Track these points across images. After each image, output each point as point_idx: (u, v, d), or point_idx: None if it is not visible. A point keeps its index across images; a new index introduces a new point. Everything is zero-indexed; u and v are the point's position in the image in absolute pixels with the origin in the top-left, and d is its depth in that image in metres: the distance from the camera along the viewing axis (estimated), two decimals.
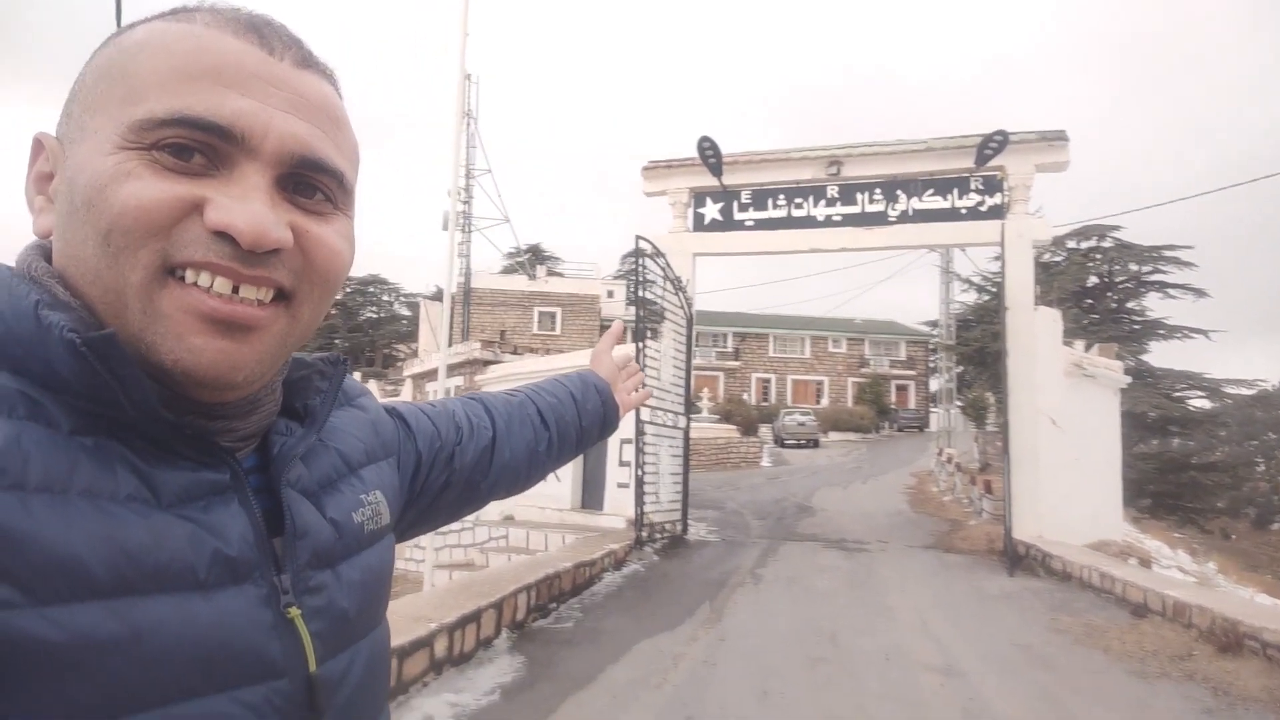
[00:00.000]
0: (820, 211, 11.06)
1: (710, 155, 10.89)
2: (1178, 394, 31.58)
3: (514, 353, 15.49)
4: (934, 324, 31.27)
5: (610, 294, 44.79)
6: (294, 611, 0.58)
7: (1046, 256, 33.98)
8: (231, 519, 0.56)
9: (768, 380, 44.53)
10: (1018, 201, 10.34)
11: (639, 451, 9.28)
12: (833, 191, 11.03)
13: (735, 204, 11.40)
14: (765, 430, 33.18)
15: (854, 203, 10.93)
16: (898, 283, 73.54)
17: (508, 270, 41.34)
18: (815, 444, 31.71)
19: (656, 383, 10.05)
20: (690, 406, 11.38)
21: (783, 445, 31.47)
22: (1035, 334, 10.06)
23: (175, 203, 0.52)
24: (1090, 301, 32.91)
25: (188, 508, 0.54)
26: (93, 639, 0.47)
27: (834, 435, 35.18)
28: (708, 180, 11.33)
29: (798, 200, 11.15)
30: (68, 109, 0.58)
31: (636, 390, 1.28)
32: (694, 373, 42.27)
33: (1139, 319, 32.44)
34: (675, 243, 11.38)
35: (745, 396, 41.36)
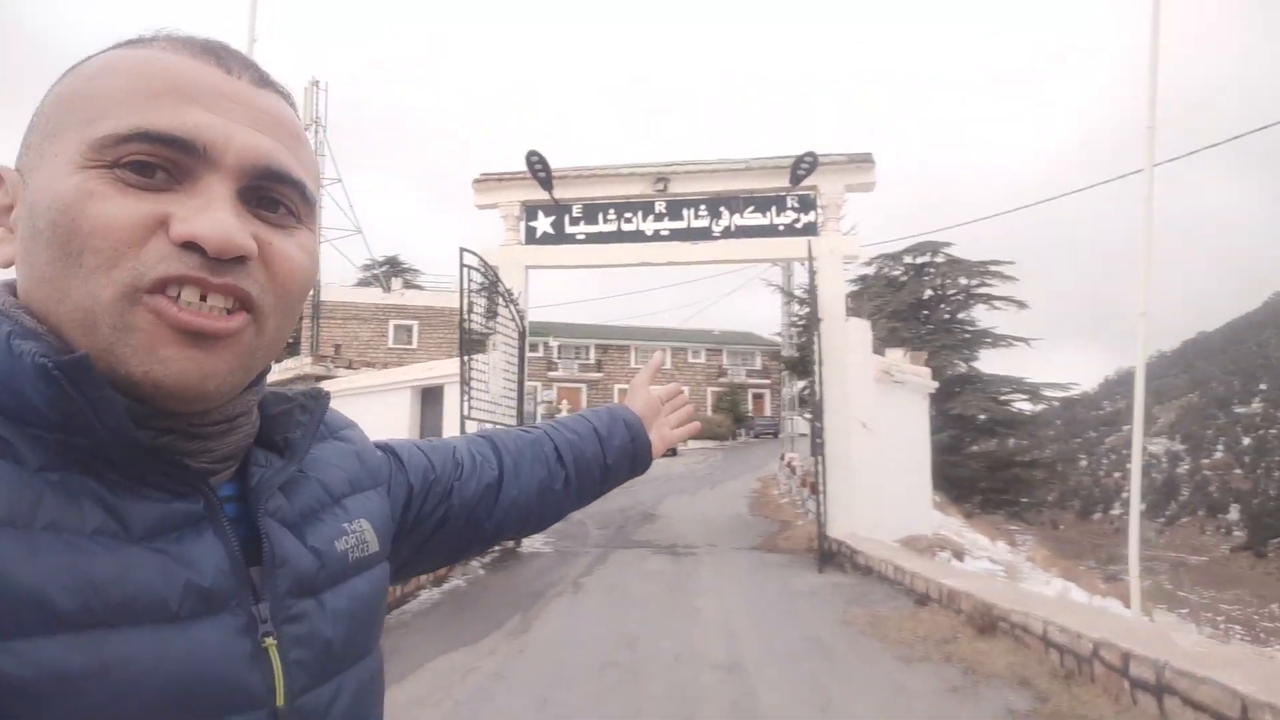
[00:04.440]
0: (649, 226, 11.34)
1: (539, 169, 10.97)
2: (1004, 397, 34.03)
3: (349, 367, 14.98)
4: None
5: (473, 307, 44.06)
6: (269, 641, 0.57)
7: (885, 270, 36.20)
8: (205, 549, 0.55)
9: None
10: (830, 219, 10.96)
11: None
12: (660, 207, 11.35)
13: (567, 218, 11.53)
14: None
15: (680, 218, 11.28)
16: (757, 295, 76.20)
17: (363, 283, 39.98)
18: (674, 452, 32.31)
19: (485, 395, 10.01)
20: (523, 418, 11.36)
21: None
22: (847, 343, 10.68)
23: (141, 221, 0.52)
24: (926, 313, 35.11)
25: (158, 540, 0.53)
26: (59, 672, 0.46)
27: (692, 443, 35.99)
28: (539, 194, 11.41)
29: (627, 215, 11.40)
30: (27, 139, 0.57)
31: (681, 425, 1.20)
32: (558, 385, 41.94)
33: (970, 329, 34.91)
34: (507, 256, 11.40)
35: None
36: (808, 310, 9.96)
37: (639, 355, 45.79)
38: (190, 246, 0.52)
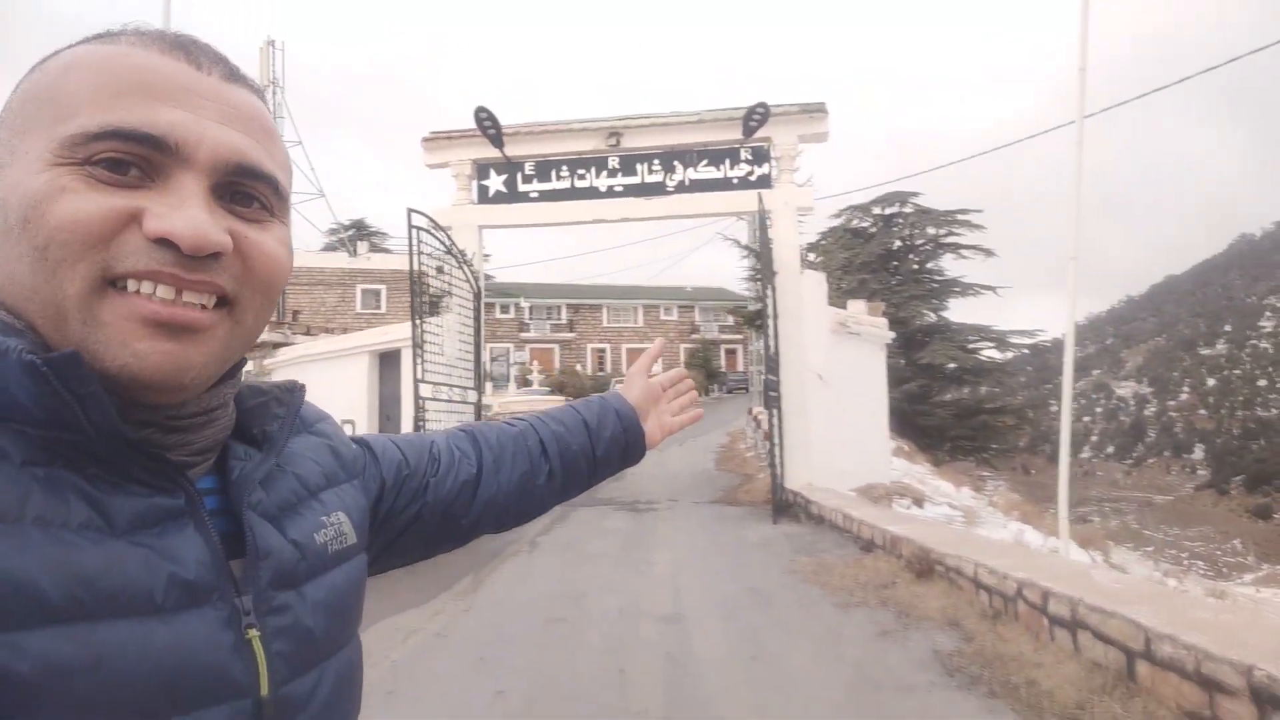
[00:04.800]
0: (603, 182, 11.22)
1: (489, 126, 10.78)
2: (972, 346, 34.37)
3: (306, 333, 14.83)
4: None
5: (441, 269, 43.64)
6: (253, 633, 0.58)
7: (855, 222, 36.24)
8: (187, 543, 0.56)
9: (603, 350, 45.06)
10: (785, 171, 10.91)
11: (417, 429, 9.15)
12: (614, 162, 11.21)
13: (519, 176, 11.38)
14: None
15: (634, 173, 11.17)
16: (729, 249, 75.95)
17: (329, 248, 39.41)
18: None
19: (440, 358, 9.94)
20: (482, 380, 11.33)
21: None
22: (802, 296, 10.70)
23: (112, 215, 0.52)
24: (895, 264, 35.25)
25: (142, 534, 0.54)
26: (51, 663, 0.47)
27: None
28: (490, 152, 11.22)
29: (580, 171, 11.26)
30: None
31: (682, 411, 1.18)
32: (530, 346, 41.79)
33: (938, 278, 35.11)
34: (460, 216, 11.24)
35: (579, 367, 41.67)
36: (763, 263, 9.91)
37: (611, 314, 45.72)
38: (164, 243, 0.53)
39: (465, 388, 10.70)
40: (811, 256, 35.60)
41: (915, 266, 35.26)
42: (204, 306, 0.55)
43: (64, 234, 0.51)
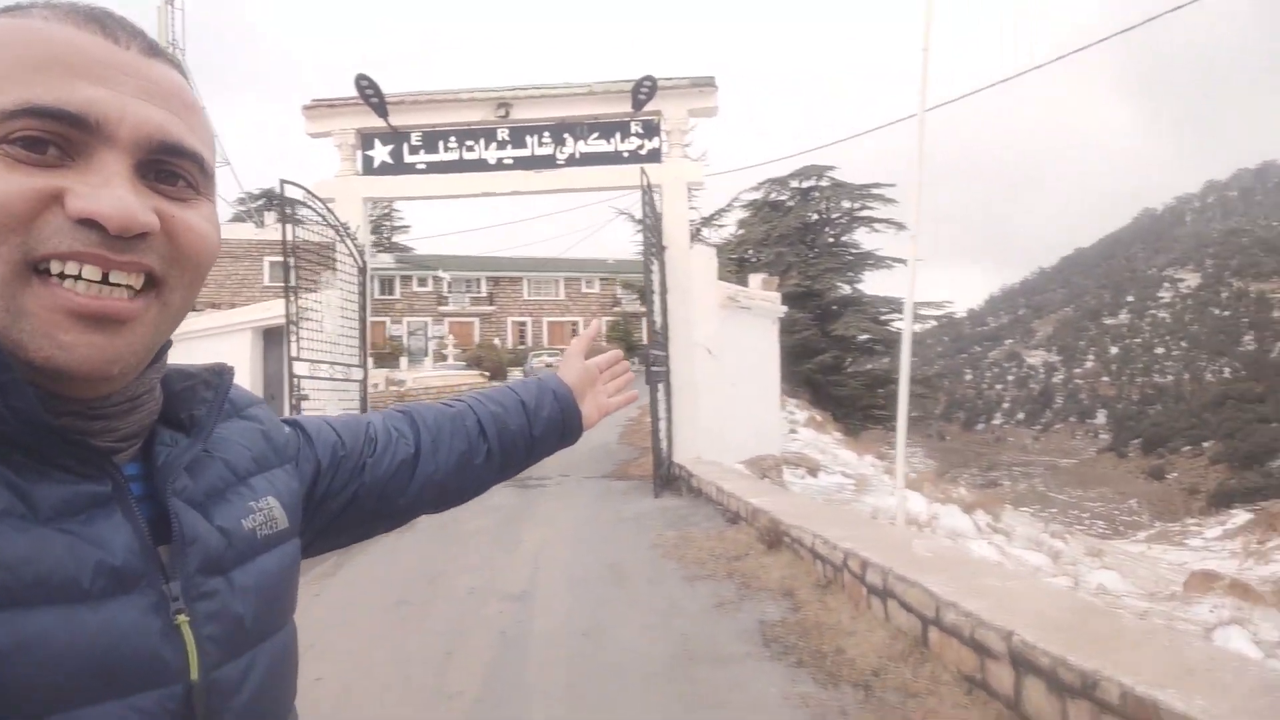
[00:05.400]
0: (492, 154, 11.01)
1: (371, 94, 10.45)
2: (884, 318, 35.20)
3: (193, 309, 14.23)
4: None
5: (298, 241, 42.51)
6: (182, 618, 0.58)
7: (773, 196, 36.58)
8: (114, 530, 0.55)
9: (524, 324, 44.68)
10: (675, 145, 10.89)
11: (293, 408, 8.92)
12: (503, 134, 11.01)
13: (406, 146, 11.07)
14: (518, 373, 33.42)
15: (524, 145, 10.99)
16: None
17: (237, 219, 37.98)
18: None
19: (320, 334, 9.69)
20: (367, 357, 11.09)
21: None
22: (691, 271, 10.75)
23: (32, 195, 0.51)
24: (812, 237, 35.76)
25: (67, 521, 0.53)
26: None
27: None
28: (375, 121, 10.89)
29: (469, 143, 11.02)
30: None
31: (620, 393, 1.20)
32: (449, 320, 41.06)
33: (854, 251, 35.79)
34: (343, 187, 10.90)
35: (497, 341, 41.28)
36: (651, 237, 9.91)
37: (532, 287, 45.29)
38: (88, 224, 0.52)
39: (349, 365, 10.46)
40: (729, 229, 35.87)
41: (831, 240, 35.88)
42: (132, 290, 0.55)
43: None
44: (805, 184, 35.63)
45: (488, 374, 31.17)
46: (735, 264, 33.33)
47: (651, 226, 10.05)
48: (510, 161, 11.03)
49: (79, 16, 0.56)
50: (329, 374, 9.90)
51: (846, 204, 36.11)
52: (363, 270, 10.84)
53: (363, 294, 10.81)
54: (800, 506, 6.67)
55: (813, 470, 14.87)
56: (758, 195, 36.10)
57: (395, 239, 56.55)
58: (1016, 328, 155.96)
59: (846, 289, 35.33)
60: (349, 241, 10.49)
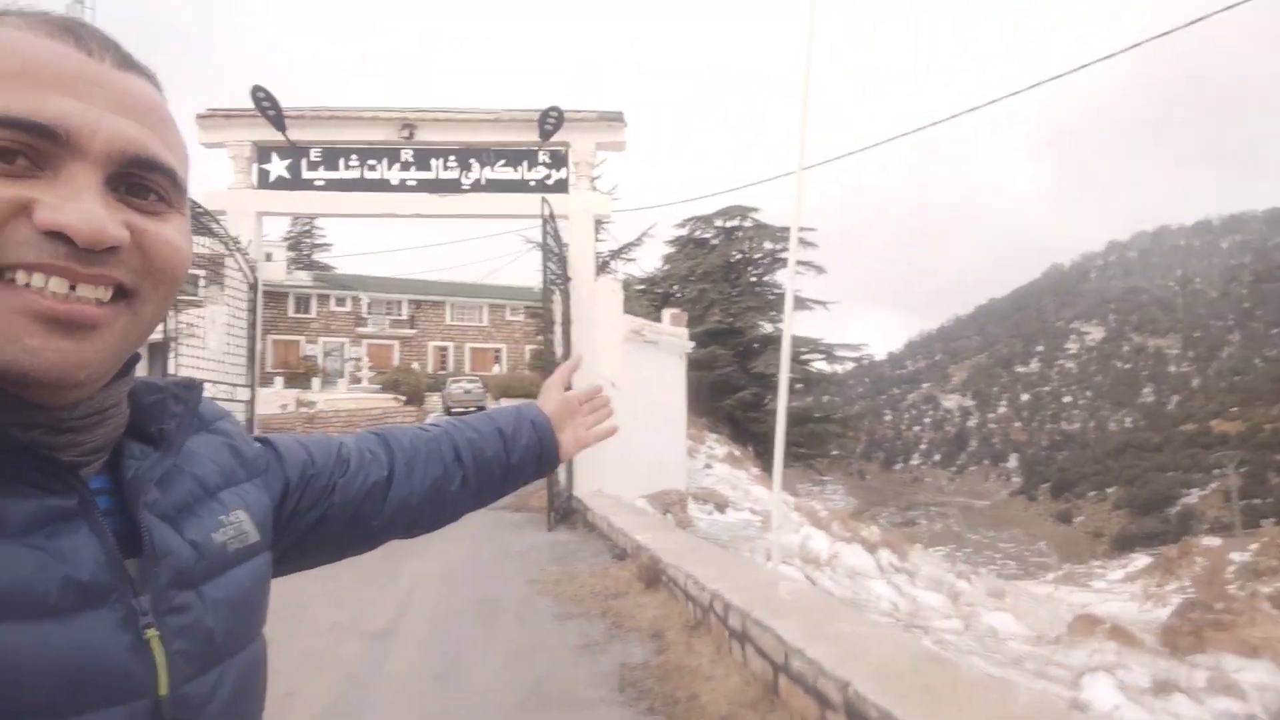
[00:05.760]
0: (395, 175, 10.76)
1: (268, 106, 10.11)
2: (804, 357, 35.76)
3: None
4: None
5: (269, 256, 41.34)
6: (151, 633, 0.57)
7: (698, 233, 37.01)
8: (81, 544, 0.55)
9: (445, 348, 43.87)
10: (582, 177, 10.83)
11: None
12: (407, 155, 10.78)
13: (304, 162, 10.73)
14: (436, 399, 32.74)
15: (429, 168, 10.77)
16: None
17: None
18: (482, 409, 31.64)
19: (204, 352, 9.22)
20: (256, 377, 10.61)
21: (450, 413, 31.19)
22: (596, 302, 10.65)
23: (1, 205, 0.50)
24: (735, 275, 36.25)
25: (33, 536, 0.53)
26: None
27: (505, 401, 35.60)
28: (273, 134, 10.53)
29: (371, 162, 10.75)
30: None
31: (597, 426, 1.19)
32: (368, 342, 39.90)
33: (776, 290, 36.39)
34: (235, 200, 10.49)
35: (416, 365, 40.44)
36: (555, 268, 9.77)
37: (455, 312, 44.57)
38: (55, 236, 0.51)
39: (234, 385, 9.97)
40: (641, 262, 36.05)
41: (754, 279, 36.43)
42: (99, 301, 0.54)
43: None
44: (729, 223, 36.15)
45: (403, 398, 30.45)
46: (659, 299, 33.54)
47: (556, 256, 9.92)
48: (414, 184, 10.79)
49: (52, 27, 0.55)
50: (211, 394, 9.40)
51: (769, 245, 36.71)
52: (253, 286, 10.40)
53: (253, 311, 10.36)
54: (683, 544, 6.53)
55: (720, 506, 14.81)
56: (683, 232, 36.45)
57: (316, 257, 55.21)
58: (934, 372, 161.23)
59: (768, 327, 35.82)
60: (239, 256, 10.06)
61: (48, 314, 0.51)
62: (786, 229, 36.18)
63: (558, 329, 9.69)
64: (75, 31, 0.56)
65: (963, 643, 6.66)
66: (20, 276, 0.51)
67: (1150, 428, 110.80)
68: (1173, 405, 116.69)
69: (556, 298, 9.71)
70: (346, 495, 0.88)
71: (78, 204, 0.52)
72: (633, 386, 11.08)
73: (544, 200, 9.36)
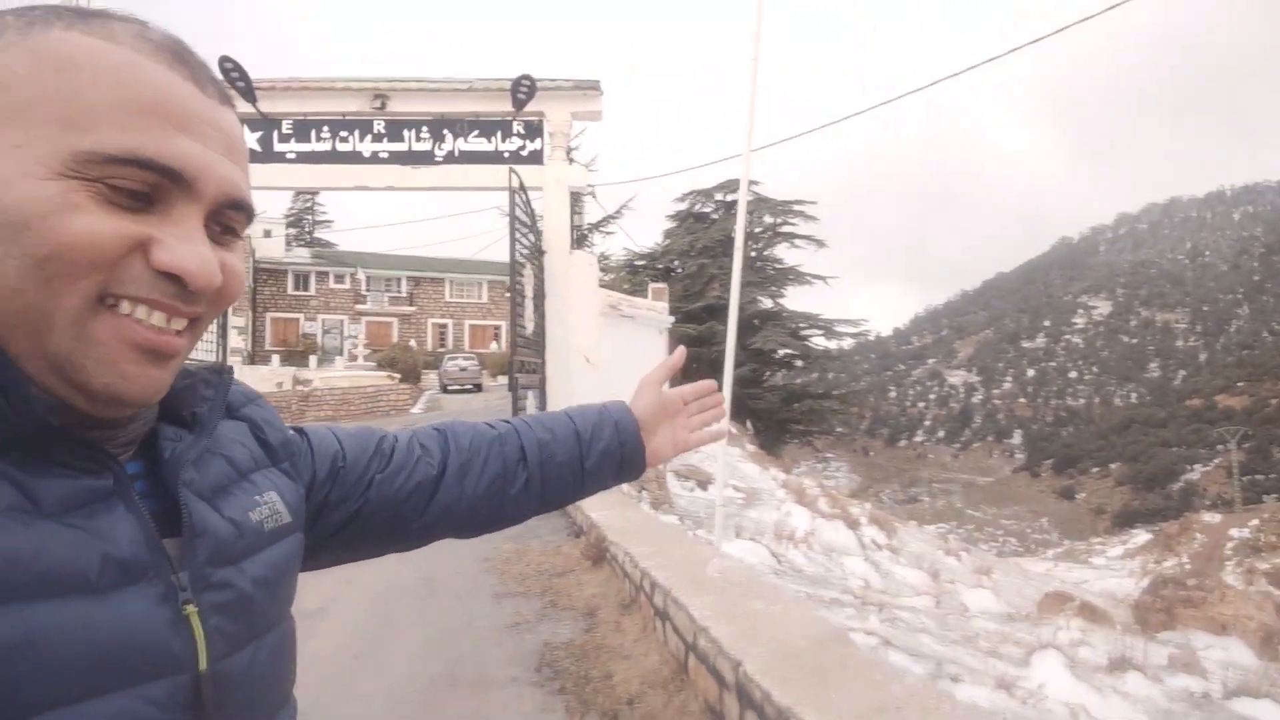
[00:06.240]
0: (367, 147, 10.60)
1: (237, 77, 9.94)
2: (804, 333, 35.56)
3: None
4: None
5: (268, 233, 41.26)
6: (190, 609, 0.58)
7: (698, 207, 36.72)
8: (118, 522, 0.56)
9: (445, 325, 43.81)
10: (557, 148, 10.65)
11: None
12: (379, 127, 10.61)
13: (275, 134, 10.57)
14: (434, 376, 32.69)
15: (401, 140, 10.60)
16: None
17: None
18: (479, 388, 31.77)
19: None
20: (226, 354, 10.55)
21: (446, 391, 31.17)
22: (570, 276, 10.52)
23: (125, 240, 0.52)
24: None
25: (71, 515, 0.53)
26: None
27: (502, 379, 35.52)
28: (242, 106, 10.36)
29: (343, 134, 10.58)
30: None
31: (704, 428, 1.08)
32: (367, 320, 39.82)
33: (776, 265, 36.14)
34: None
35: (413, 343, 40.42)
36: (526, 239, 9.62)
37: (455, 289, 44.46)
38: (168, 275, 0.53)
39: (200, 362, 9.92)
40: (619, 237, 35.82)
41: (754, 254, 36.13)
42: (178, 331, 0.56)
43: (75, 253, 0.50)
44: (729, 197, 35.78)
45: (399, 376, 30.43)
46: (659, 274, 33.31)
47: (530, 229, 9.78)
48: (386, 155, 10.63)
49: (168, 54, 0.56)
50: None
51: (769, 219, 36.38)
52: None
53: None
54: (634, 523, 6.45)
55: (703, 483, 14.75)
56: (683, 206, 36.14)
57: (318, 234, 55.09)
58: (939, 347, 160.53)
59: (768, 303, 35.53)
60: None
61: (145, 344, 0.54)
62: (787, 203, 35.89)
63: (528, 303, 9.57)
64: (187, 61, 0.57)
65: (917, 620, 6.56)
66: (125, 306, 0.53)
67: (1155, 403, 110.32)
68: (1179, 380, 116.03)
69: (527, 271, 9.57)
70: (386, 492, 0.86)
71: (192, 247, 0.54)
72: (610, 362, 10.98)
73: (511, 171, 9.20)
